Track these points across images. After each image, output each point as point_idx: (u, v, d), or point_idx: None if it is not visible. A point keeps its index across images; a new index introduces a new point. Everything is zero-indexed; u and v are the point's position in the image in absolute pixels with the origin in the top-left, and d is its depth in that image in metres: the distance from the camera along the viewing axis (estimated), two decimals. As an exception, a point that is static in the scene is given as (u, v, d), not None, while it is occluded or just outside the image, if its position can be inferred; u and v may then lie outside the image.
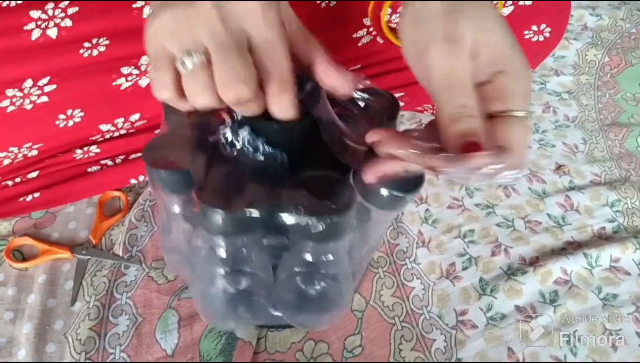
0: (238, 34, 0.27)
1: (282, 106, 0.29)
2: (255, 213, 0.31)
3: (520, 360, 0.45)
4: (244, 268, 0.37)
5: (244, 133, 0.33)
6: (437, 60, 0.27)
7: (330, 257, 0.35)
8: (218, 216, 0.30)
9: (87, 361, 0.44)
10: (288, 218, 0.31)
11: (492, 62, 0.27)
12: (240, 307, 0.39)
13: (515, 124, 0.27)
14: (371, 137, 0.30)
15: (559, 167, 0.61)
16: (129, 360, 0.44)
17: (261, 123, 0.31)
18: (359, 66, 0.60)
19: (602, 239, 0.54)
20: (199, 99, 0.28)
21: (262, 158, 0.33)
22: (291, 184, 0.32)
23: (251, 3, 0.27)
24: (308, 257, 0.34)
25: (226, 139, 0.33)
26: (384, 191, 0.31)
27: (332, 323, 0.46)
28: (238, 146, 0.33)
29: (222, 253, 0.34)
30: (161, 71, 0.28)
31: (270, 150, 0.33)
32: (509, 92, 0.27)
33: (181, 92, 0.28)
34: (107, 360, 0.44)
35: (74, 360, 0.45)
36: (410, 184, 0.31)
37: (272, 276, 0.38)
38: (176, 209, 0.35)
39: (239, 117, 0.33)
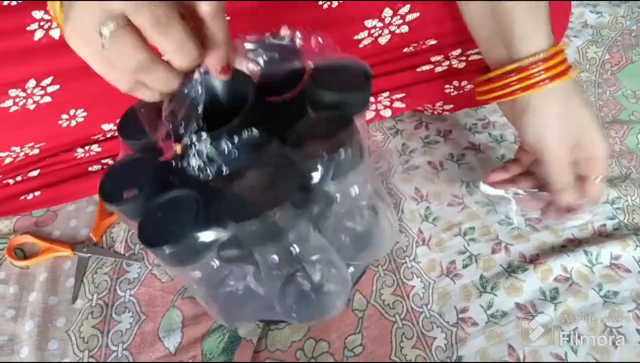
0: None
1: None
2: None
3: (521, 358, 0.45)
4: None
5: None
6: (555, 148, 0.43)
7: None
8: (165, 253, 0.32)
9: (90, 361, 0.45)
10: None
11: (586, 150, 0.44)
12: (248, 305, 0.40)
13: (596, 184, 0.46)
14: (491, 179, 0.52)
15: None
16: (131, 358, 0.44)
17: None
18: None
19: (602, 236, 0.54)
20: (128, 60, 0.28)
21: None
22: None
23: None
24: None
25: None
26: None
27: (337, 313, 0.45)
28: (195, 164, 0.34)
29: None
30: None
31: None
32: (595, 166, 0.45)
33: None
34: (110, 357, 0.45)
35: (77, 358, 0.45)
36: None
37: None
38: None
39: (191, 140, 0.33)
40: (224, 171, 0.34)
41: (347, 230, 0.40)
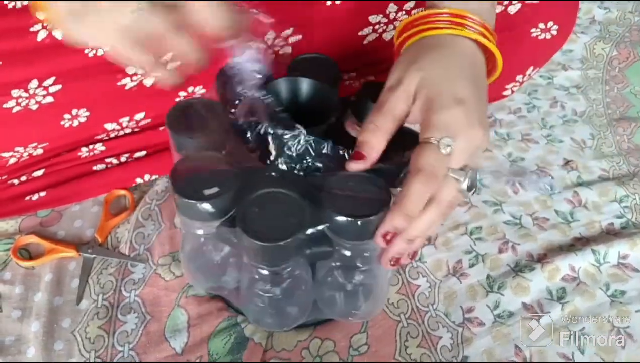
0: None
1: None
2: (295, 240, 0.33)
3: (527, 358, 0.45)
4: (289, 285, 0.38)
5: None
6: (384, 94, 0.37)
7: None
8: (261, 248, 0.33)
9: (96, 361, 0.45)
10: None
11: (424, 106, 0.35)
12: (286, 307, 0.40)
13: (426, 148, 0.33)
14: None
15: (566, 163, 0.61)
16: (137, 359, 0.44)
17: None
18: (363, 63, 0.60)
19: (610, 235, 0.54)
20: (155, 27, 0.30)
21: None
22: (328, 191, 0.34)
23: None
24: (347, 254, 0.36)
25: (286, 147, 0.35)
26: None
27: (374, 314, 0.47)
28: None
29: (265, 274, 0.36)
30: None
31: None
32: (429, 124, 0.34)
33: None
34: (116, 358, 0.45)
35: (83, 358, 0.45)
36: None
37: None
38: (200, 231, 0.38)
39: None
40: (319, 168, 0.35)
41: (339, 286, 0.40)
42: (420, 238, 0.34)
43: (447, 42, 0.38)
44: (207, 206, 0.33)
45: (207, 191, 0.33)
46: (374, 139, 0.35)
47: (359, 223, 0.32)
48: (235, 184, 0.34)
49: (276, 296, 0.38)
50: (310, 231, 0.34)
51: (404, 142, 0.35)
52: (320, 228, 0.34)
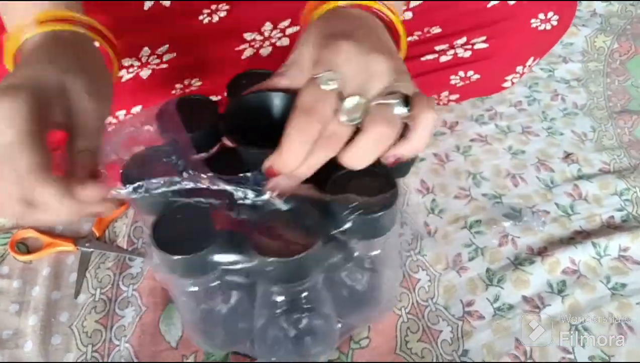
0: None
1: None
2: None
3: (528, 351, 0.45)
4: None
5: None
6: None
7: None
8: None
9: (92, 360, 0.44)
10: None
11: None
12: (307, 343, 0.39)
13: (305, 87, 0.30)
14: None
15: (567, 155, 0.60)
16: (132, 351, 0.44)
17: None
18: None
19: (611, 228, 0.53)
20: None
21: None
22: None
23: None
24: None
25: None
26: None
27: (381, 318, 0.46)
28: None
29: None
30: None
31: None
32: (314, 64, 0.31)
33: None
34: (113, 352, 0.44)
35: (80, 352, 0.45)
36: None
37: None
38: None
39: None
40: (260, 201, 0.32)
41: (344, 286, 0.39)
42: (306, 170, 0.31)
43: (346, 12, 0.34)
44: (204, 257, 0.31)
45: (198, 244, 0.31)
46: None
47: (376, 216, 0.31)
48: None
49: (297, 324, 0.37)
50: (333, 232, 0.32)
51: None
52: (344, 227, 0.32)
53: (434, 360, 0.44)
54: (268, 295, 0.35)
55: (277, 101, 0.34)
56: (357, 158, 0.30)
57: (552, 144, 0.62)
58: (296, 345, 0.38)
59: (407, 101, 0.30)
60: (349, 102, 0.29)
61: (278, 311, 0.36)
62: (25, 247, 0.52)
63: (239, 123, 0.34)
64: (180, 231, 0.32)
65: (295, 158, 0.29)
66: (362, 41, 0.30)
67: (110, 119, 0.53)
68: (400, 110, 0.30)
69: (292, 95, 0.31)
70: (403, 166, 0.34)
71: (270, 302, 0.35)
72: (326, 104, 0.29)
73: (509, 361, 0.44)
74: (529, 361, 0.44)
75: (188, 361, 0.44)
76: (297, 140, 0.29)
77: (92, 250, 0.51)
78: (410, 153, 0.31)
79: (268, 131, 0.31)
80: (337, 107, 0.29)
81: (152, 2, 0.47)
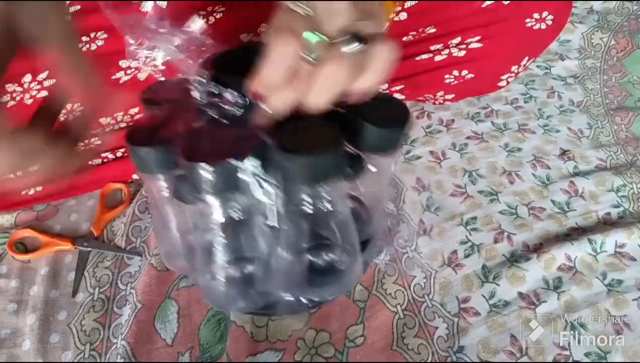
0: None
1: None
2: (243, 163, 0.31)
3: (523, 348, 0.45)
4: (246, 251, 0.37)
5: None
6: None
7: (328, 205, 0.35)
8: (207, 172, 0.30)
9: (88, 360, 0.45)
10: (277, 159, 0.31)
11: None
12: (249, 290, 0.39)
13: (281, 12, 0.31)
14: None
15: (563, 152, 0.61)
16: (129, 348, 0.44)
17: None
18: None
19: (607, 224, 0.53)
20: None
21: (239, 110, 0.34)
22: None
23: None
24: (307, 206, 0.34)
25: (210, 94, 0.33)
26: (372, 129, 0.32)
27: (341, 293, 0.46)
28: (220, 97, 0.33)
29: (220, 217, 0.34)
30: None
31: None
32: None
33: None
34: (110, 350, 0.45)
35: (78, 351, 0.45)
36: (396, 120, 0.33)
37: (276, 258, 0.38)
38: (166, 192, 0.35)
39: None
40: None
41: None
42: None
43: None
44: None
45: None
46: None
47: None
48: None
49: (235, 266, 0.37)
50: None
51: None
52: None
53: (430, 356, 0.44)
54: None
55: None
56: (315, 97, 0.31)
57: (548, 142, 0.62)
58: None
59: (363, 39, 0.30)
60: (308, 35, 0.30)
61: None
62: (23, 246, 0.52)
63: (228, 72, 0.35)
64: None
65: (277, 75, 0.30)
66: None
67: (108, 120, 0.54)
68: (350, 47, 0.30)
69: None
70: (390, 138, 0.35)
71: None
72: (303, 25, 0.29)
73: (505, 357, 0.44)
74: (524, 357, 0.44)
75: (183, 360, 0.44)
76: (276, 56, 0.29)
77: (90, 249, 0.51)
78: (368, 86, 0.32)
79: None
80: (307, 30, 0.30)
81: None
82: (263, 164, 0.32)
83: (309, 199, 0.34)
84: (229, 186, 0.32)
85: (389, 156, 0.36)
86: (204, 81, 0.34)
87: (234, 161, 0.30)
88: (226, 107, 0.34)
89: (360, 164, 0.36)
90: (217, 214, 0.34)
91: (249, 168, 0.31)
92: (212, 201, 0.33)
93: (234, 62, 0.35)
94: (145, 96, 0.38)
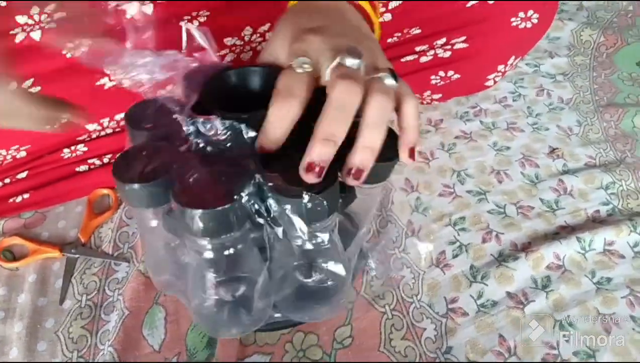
0: None
1: None
2: (235, 204, 0.30)
3: (512, 348, 0.44)
4: (237, 273, 0.37)
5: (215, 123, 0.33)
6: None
7: (323, 240, 0.34)
8: (199, 217, 0.30)
9: (79, 361, 0.45)
10: (271, 202, 0.31)
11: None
12: (241, 314, 0.39)
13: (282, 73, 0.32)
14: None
15: (552, 150, 0.60)
16: (116, 355, 0.44)
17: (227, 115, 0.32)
18: None
19: (596, 222, 0.53)
20: None
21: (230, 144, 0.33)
22: (265, 171, 0.32)
23: None
24: (298, 242, 0.34)
25: (198, 132, 0.33)
26: None
27: (333, 314, 0.45)
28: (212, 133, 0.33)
29: (211, 257, 0.34)
30: None
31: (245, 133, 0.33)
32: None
33: None
34: (99, 356, 0.45)
35: (66, 358, 0.45)
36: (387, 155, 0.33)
37: (268, 276, 0.38)
38: (153, 223, 0.36)
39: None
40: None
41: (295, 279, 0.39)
42: None
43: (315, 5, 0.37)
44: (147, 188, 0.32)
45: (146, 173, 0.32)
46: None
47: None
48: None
49: (227, 289, 0.36)
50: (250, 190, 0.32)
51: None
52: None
53: (417, 358, 0.44)
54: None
55: (255, 76, 0.37)
56: (371, 133, 0.31)
57: (537, 140, 0.62)
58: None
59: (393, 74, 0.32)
60: (350, 61, 0.31)
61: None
62: (11, 254, 0.52)
63: (219, 96, 0.35)
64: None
65: (278, 135, 0.31)
66: (331, 35, 0.33)
67: (94, 126, 0.54)
68: (390, 81, 0.31)
69: (269, 68, 0.35)
70: (382, 171, 0.35)
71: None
72: (302, 85, 0.31)
73: (493, 358, 0.44)
74: (512, 357, 0.44)
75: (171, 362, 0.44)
76: (276, 120, 0.31)
77: (77, 256, 0.51)
78: (411, 119, 0.33)
79: (246, 104, 0.33)
80: (313, 87, 0.31)
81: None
82: (255, 200, 0.32)
83: (305, 237, 0.34)
84: (222, 228, 0.32)
85: (380, 184, 0.36)
86: (192, 120, 0.33)
87: (227, 206, 0.30)
88: (215, 138, 0.34)
89: (351, 195, 0.36)
90: (209, 254, 0.34)
91: (243, 207, 0.31)
92: (204, 242, 0.33)
93: (224, 88, 0.36)
94: (130, 119, 0.38)
